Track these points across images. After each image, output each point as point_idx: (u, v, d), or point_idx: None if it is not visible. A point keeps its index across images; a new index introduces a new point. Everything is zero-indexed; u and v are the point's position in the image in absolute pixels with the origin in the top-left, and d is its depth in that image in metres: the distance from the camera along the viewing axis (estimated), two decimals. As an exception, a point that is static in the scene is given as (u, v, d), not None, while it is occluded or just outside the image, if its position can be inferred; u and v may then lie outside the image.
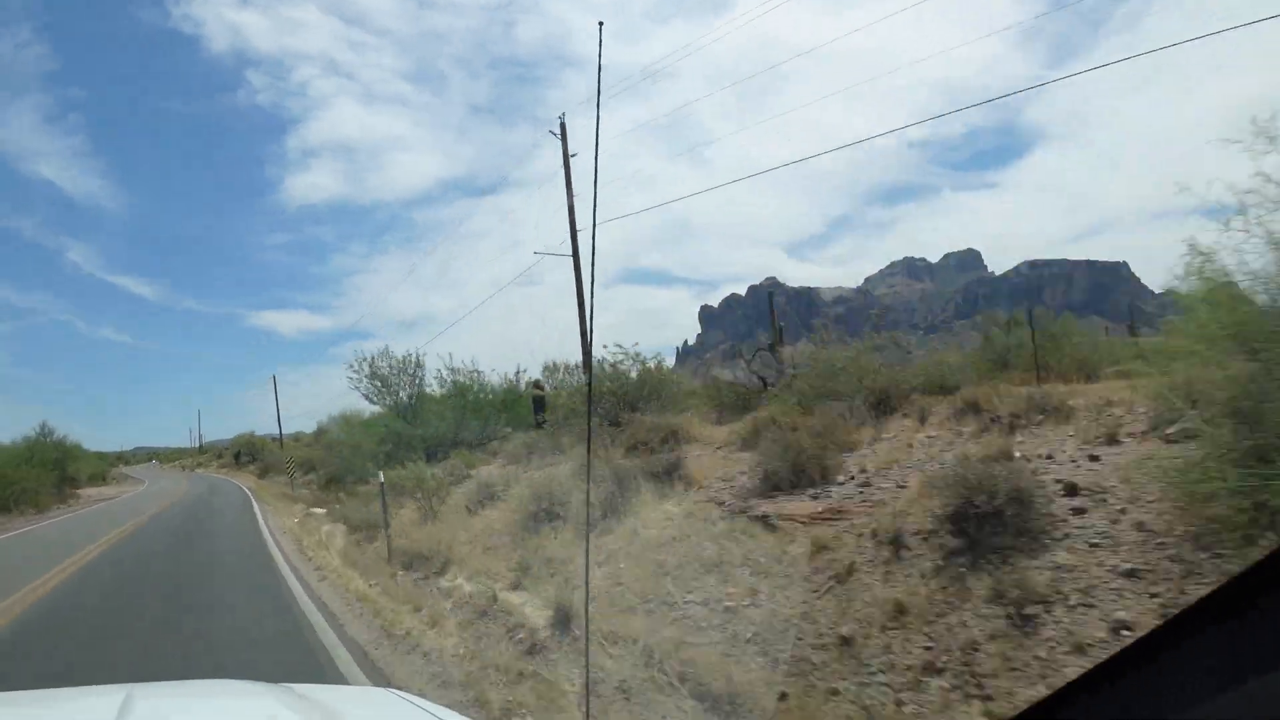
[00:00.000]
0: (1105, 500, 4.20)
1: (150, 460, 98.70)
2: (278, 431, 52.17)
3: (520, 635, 5.45)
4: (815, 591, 4.61)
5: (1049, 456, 5.23)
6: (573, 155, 18.84)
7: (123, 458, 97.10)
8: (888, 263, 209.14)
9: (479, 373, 19.50)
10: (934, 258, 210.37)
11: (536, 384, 17.83)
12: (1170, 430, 4.61)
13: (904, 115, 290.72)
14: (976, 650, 3.60)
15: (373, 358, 19.91)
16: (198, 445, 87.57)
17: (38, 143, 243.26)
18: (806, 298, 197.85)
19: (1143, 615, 3.32)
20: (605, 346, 13.12)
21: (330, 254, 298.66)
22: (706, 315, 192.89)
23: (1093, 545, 3.88)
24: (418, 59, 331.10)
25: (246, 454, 55.69)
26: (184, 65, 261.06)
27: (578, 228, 18.47)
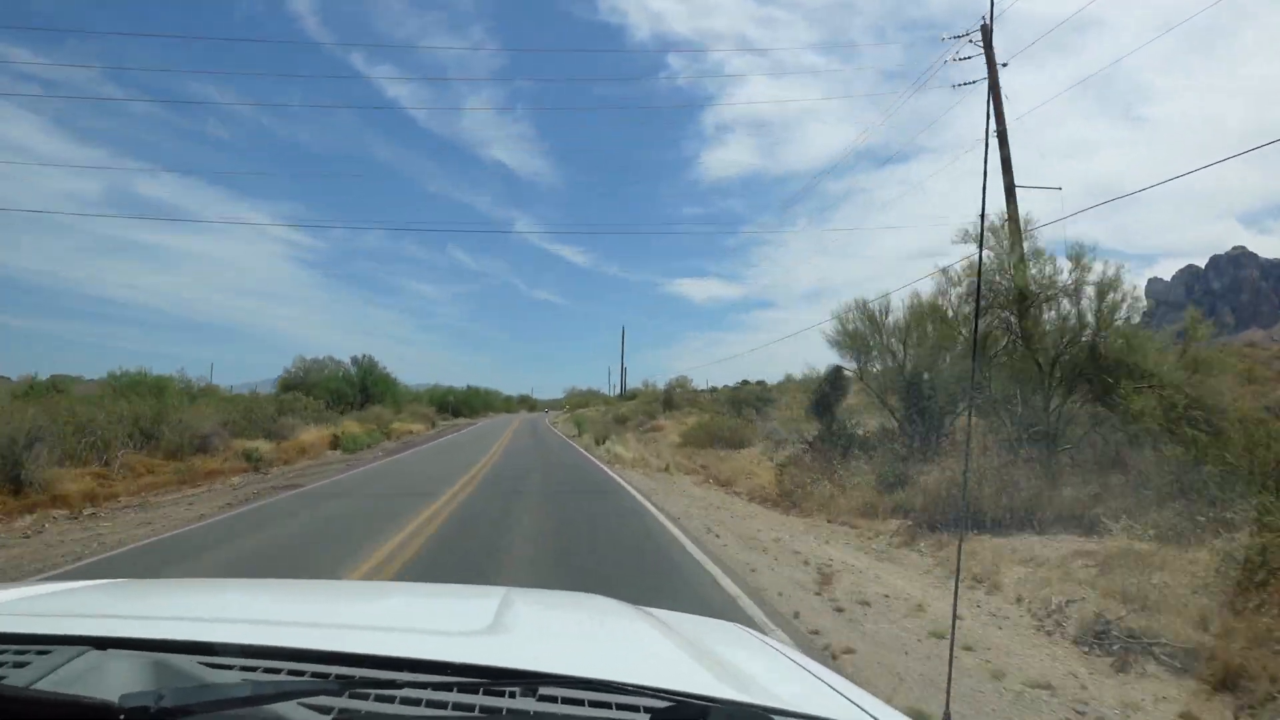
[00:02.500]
0: None
1: (545, 411, 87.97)
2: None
3: None
4: None
5: None
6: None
7: (528, 401, 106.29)
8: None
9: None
10: None
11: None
12: None
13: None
14: None
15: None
16: (619, 391, 60.93)
17: (491, 131, 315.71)
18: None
19: None
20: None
21: (740, 225, 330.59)
22: (1156, 289, 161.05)
23: None
24: (828, 29, 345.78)
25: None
26: (610, 54, 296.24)
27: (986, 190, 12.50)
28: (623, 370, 57.92)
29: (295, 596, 1.81)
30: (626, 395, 46.62)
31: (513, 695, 0.96)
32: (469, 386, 67.30)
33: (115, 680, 0.92)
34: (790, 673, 1.38)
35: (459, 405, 47.72)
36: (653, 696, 0.90)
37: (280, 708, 0.85)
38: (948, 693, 2.32)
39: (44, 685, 0.90)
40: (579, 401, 63.44)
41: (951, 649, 2.91)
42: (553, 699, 0.95)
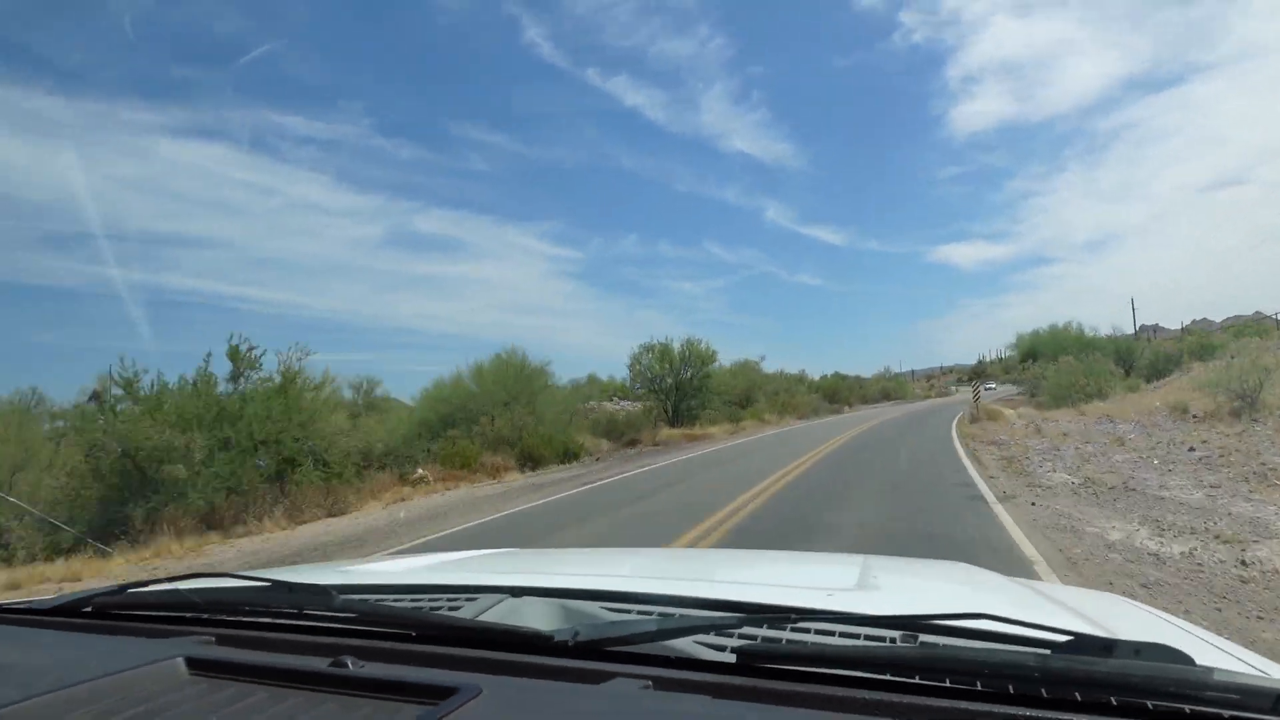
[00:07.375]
0: None
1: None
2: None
3: None
4: None
5: None
6: None
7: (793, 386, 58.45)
8: None
9: None
10: None
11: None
12: None
13: None
14: None
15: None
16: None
17: (730, 122, 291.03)
18: None
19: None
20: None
21: (1003, 179, 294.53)
22: None
23: None
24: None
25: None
26: (840, 22, 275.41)
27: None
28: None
29: (677, 559, 2.16)
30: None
31: (892, 641, 0.96)
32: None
33: (534, 618, 1.05)
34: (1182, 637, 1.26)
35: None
36: (1050, 631, 0.86)
37: (681, 642, 0.92)
38: None
39: (483, 619, 1.05)
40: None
41: None
42: (935, 645, 0.92)
